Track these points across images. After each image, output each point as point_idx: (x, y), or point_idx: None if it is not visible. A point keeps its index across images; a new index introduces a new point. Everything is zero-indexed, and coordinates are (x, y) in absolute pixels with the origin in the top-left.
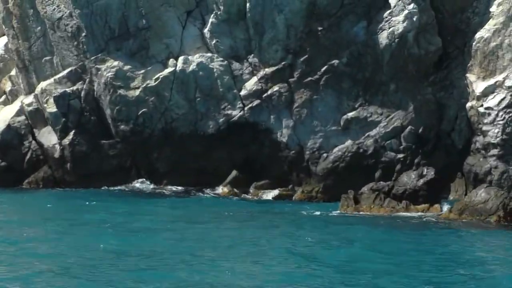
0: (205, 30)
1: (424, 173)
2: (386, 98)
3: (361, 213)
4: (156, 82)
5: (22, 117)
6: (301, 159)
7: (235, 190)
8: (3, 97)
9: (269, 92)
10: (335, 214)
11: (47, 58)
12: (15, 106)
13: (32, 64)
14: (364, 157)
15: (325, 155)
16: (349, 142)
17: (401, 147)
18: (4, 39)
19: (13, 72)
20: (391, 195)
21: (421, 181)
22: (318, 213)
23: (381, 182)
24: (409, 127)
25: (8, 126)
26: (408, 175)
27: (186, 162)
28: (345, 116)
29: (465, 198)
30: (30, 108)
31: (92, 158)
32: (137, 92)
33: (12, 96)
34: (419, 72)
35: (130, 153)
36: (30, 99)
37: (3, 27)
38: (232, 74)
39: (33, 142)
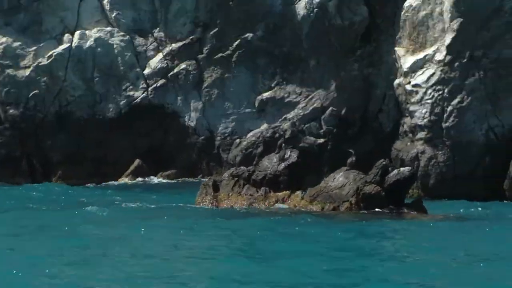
0: (105, 1)
1: (286, 156)
2: (306, 75)
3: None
4: (49, 60)
5: None
6: (212, 146)
7: (139, 179)
8: None
9: (175, 70)
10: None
11: None
12: None
13: None
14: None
15: (237, 141)
16: (264, 126)
17: (322, 131)
18: None
19: None
20: (251, 181)
21: (282, 165)
22: (174, 204)
23: (242, 167)
24: (330, 108)
25: None
26: (269, 158)
27: (84, 150)
28: (260, 97)
29: (322, 182)
30: None
31: None
32: (28, 71)
33: None
34: (344, 46)
35: (20, 141)
36: None
37: None
38: (135, 50)
39: None
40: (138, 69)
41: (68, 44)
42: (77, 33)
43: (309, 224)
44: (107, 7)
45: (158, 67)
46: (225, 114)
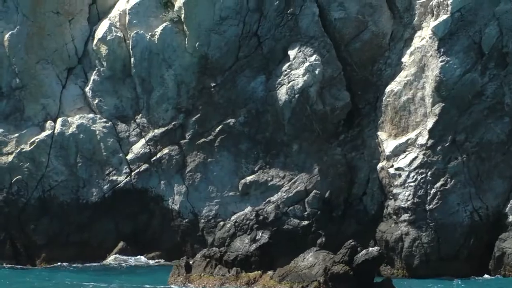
0: (87, 89)
1: (258, 237)
2: (289, 159)
3: (188, 285)
4: (32, 147)
5: None
6: (196, 228)
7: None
8: None
9: (158, 155)
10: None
11: None
12: None
13: None
14: (265, 224)
15: (222, 223)
16: (248, 209)
17: (305, 213)
18: None
19: None
20: (223, 261)
21: (254, 246)
22: (146, 286)
23: (214, 248)
24: (314, 191)
25: None
26: (241, 239)
27: (67, 234)
28: (243, 180)
29: (291, 262)
30: None
31: None
32: (10, 157)
33: None
34: (326, 131)
35: (3, 224)
36: None
37: None
38: (118, 136)
39: None
40: (121, 154)
41: (51, 131)
42: (59, 120)
43: None
44: (89, 94)
45: (141, 152)
46: (209, 197)
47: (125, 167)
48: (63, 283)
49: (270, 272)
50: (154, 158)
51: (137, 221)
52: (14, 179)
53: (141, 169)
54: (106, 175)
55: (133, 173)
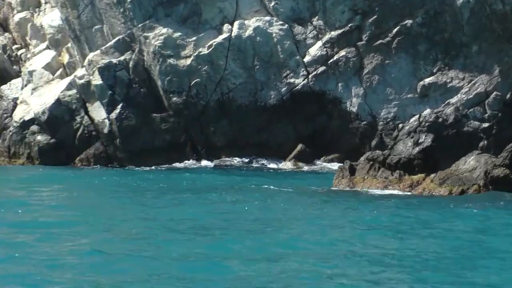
0: None
1: (421, 140)
2: (469, 60)
3: (352, 187)
4: (210, 50)
5: (73, 91)
6: (374, 130)
7: (299, 164)
8: (60, 70)
9: (335, 57)
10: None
11: (97, 27)
12: (67, 80)
13: (83, 34)
14: (443, 127)
15: (400, 125)
16: (427, 111)
17: (486, 115)
18: None
19: (70, 44)
20: (386, 164)
21: (417, 149)
22: (314, 187)
23: (377, 151)
24: (494, 92)
25: (58, 101)
26: (404, 142)
27: (246, 136)
28: (422, 82)
29: (452, 166)
30: (82, 81)
31: (143, 133)
32: (189, 61)
33: (70, 69)
34: (506, 31)
35: (184, 127)
36: (82, 71)
37: None
38: (294, 38)
39: (85, 117)
40: (298, 57)
41: (228, 34)
42: (236, 23)
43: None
44: None
45: (317, 55)
46: (387, 99)
47: (302, 69)
48: (233, 179)
49: (432, 175)
50: (331, 60)
51: (315, 123)
52: (193, 82)
53: (318, 72)
54: (283, 77)
55: (310, 76)
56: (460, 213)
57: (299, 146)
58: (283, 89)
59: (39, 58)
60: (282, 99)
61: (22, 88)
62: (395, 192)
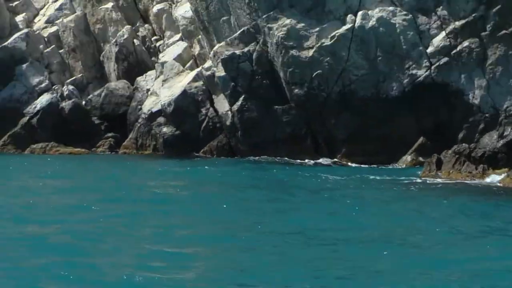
0: None
1: (506, 133)
2: None
3: (437, 179)
4: (332, 41)
5: (200, 83)
6: (495, 123)
7: (420, 159)
8: (190, 61)
9: (458, 48)
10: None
11: (225, 18)
12: (194, 72)
13: (211, 25)
14: None
15: None
16: None
17: None
18: None
19: (200, 35)
20: (471, 158)
21: (501, 142)
22: (402, 178)
23: (464, 144)
24: None
25: (184, 93)
26: (490, 135)
27: (368, 128)
28: None
29: None
30: (208, 73)
31: (264, 126)
32: (311, 52)
33: (200, 60)
34: None
35: (305, 120)
36: (209, 63)
37: None
38: (418, 29)
39: (211, 109)
40: (420, 48)
41: (351, 25)
42: (359, 13)
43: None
44: None
45: (441, 45)
46: (510, 91)
47: (425, 60)
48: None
49: None
50: (454, 51)
51: (437, 116)
52: (315, 74)
53: (441, 63)
54: (406, 69)
55: (433, 67)
56: None
57: (420, 139)
58: (405, 80)
59: (171, 49)
60: (404, 91)
61: (155, 80)
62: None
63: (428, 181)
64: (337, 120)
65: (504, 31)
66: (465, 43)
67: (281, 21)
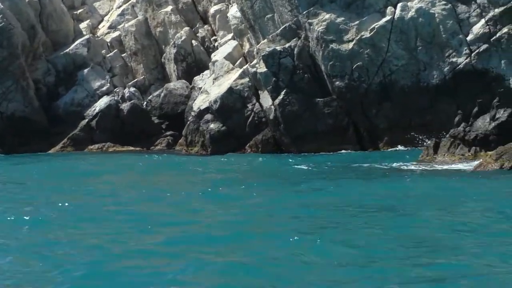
0: None
1: (498, 115)
2: None
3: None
4: (371, 33)
5: (246, 79)
6: None
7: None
8: (240, 59)
9: (498, 34)
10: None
11: (269, 16)
12: (242, 69)
13: (256, 24)
14: None
15: None
16: None
17: None
18: None
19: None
20: (465, 141)
21: (493, 124)
22: (395, 164)
23: (460, 127)
24: None
25: (230, 90)
26: (483, 118)
27: (409, 117)
28: None
29: None
30: (253, 70)
31: (306, 118)
32: (351, 45)
33: (250, 58)
34: None
35: (346, 111)
36: (256, 60)
37: None
38: (457, 17)
39: (257, 104)
40: (460, 36)
41: (390, 17)
42: (399, 5)
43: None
44: None
45: (480, 33)
46: None
47: (465, 48)
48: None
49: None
50: (493, 38)
51: (479, 102)
52: (355, 66)
53: (481, 50)
54: (446, 57)
55: (473, 54)
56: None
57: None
58: (446, 68)
59: (223, 48)
60: (445, 79)
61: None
62: (460, 167)
63: (412, 167)
64: (378, 110)
65: None
66: (505, 29)
67: (321, 16)
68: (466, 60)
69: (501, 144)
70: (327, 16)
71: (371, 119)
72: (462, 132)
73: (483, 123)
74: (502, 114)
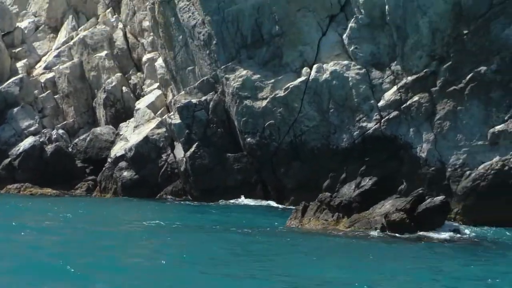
0: (344, 36)
1: (363, 183)
2: None
3: (299, 228)
4: (286, 93)
5: (163, 130)
6: (442, 177)
7: None
8: (162, 109)
9: (408, 102)
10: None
11: (190, 68)
12: (159, 119)
13: (178, 75)
14: (509, 176)
15: (468, 173)
16: (496, 159)
17: None
18: None
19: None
20: (330, 206)
21: (357, 191)
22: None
23: (326, 193)
24: None
25: (145, 139)
26: (349, 185)
27: (317, 178)
28: (492, 130)
29: (370, 209)
30: (170, 121)
31: (216, 172)
32: (264, 102)
33: (171, 108)
34: None
35: (256, 167)
36: (173, 111)
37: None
38: (371, 83)
39: (171, 155)
40: (372, 101)
41: (305, 77)
42: (314, 66)
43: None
44: (346, 41)
45: (391, 99)
46: (457, 146)
47: (376, 113)
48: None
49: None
50: (404, 105)
51: (385, 168)
52: (267, 123)
53: (391, 116)
54: (356, 121)
55: (382, 120)
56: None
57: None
58: (355, 132)
59: (147, 97)
60: (354, 143)
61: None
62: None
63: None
64: (287, 170)
65: (453, 87)
66: (415, 98)
67: (238, 72)
68: (376, 125)
69: (363, 210)
70: (244, 72)
71: (280, 178)
72: (329, 197)
73: (349, 190)
74: (367, 182)
